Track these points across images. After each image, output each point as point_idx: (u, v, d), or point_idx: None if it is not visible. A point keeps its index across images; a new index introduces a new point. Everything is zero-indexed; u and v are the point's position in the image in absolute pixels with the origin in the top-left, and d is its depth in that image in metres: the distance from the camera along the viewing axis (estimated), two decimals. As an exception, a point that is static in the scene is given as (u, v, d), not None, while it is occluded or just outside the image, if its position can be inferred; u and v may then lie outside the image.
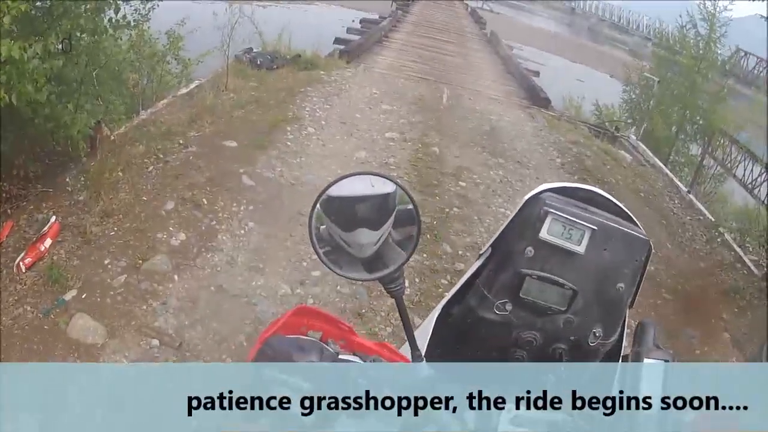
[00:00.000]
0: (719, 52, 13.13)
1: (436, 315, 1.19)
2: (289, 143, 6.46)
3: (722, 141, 9.31)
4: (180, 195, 4.93)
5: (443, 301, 1.20)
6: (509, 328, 1.08)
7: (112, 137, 5.52)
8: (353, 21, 19.60)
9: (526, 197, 1.09)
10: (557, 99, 14.63)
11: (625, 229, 1.08)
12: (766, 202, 7.50)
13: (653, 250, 1.08)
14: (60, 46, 4.49)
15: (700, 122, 12.13)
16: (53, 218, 4.33)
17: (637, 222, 1.12)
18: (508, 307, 1.07)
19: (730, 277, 6.04)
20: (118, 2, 4.95)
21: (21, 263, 4.01)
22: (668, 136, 12.28)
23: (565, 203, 1.08)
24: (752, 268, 6.31)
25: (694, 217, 7.48)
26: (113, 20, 4.97)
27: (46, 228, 4.23)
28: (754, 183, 8.05)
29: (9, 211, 4.51)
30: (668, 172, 9.37)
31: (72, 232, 4.33)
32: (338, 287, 4.34)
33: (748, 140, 9.39)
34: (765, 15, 6.79)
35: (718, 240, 6.88)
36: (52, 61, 4.24)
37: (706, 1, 12.26)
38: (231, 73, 8.10)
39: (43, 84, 4.16)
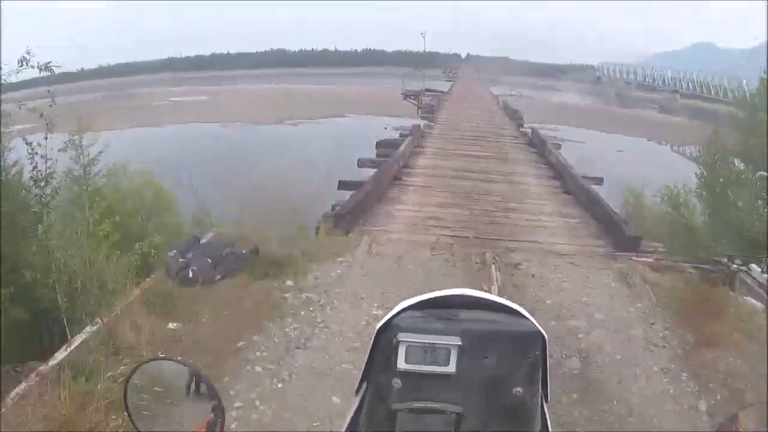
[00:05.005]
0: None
1: None
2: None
3: None
4: None
5: None
6: None
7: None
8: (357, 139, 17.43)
9: (378, 325, 0.99)
10: (609, 181, 14.74)
11: (506, 328, 0.97)
12: None
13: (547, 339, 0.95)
14: None
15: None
16: None
17: (525, 313, 0.99)
18: None
19: None
20: None
21: None
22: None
23: (423, 322, 0.97)
24: None
25: None
26: None
27: None
28: None
29: None
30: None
31: None
32: None
33: None
34: None
35: None
36: None
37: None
38: (146, 299, 5.45)
39: None
